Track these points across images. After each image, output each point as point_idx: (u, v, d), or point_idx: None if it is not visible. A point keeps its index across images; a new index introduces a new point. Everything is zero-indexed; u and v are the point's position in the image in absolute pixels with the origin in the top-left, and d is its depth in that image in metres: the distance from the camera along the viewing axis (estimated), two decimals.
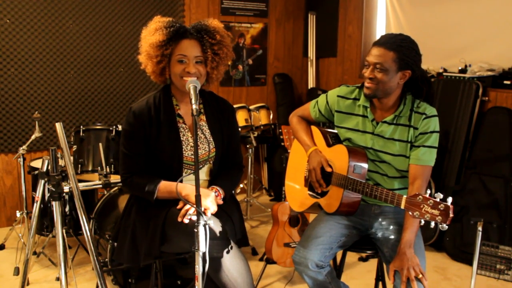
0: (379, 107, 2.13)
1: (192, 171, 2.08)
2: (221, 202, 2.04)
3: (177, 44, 2.01)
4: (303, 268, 2.08)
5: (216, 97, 2.23)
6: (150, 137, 2.04)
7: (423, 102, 2.09)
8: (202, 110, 2.16)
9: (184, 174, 2.07)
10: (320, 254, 2.06)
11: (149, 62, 2.04)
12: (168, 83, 2.12)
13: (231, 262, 1.92)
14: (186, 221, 1.87)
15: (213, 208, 1.94)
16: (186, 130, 2.09)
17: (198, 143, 2.09)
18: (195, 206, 1.64)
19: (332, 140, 2.29)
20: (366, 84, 2.06)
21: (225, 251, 1.89)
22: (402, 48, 1.98)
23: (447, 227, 1.69)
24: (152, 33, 2.02)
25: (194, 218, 1.88)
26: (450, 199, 1.70)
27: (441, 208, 1.70)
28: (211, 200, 1.95)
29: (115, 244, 2.17)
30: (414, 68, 2.01)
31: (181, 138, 2.07)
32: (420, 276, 1.88)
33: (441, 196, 1.72)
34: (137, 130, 2.03)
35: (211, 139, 2.11)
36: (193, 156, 2.06)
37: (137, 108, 2.05)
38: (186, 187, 2.00)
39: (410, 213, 1.78)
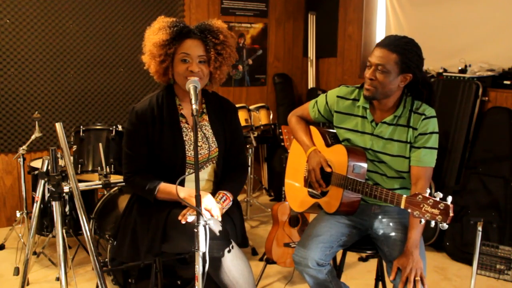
0: (379, 107, 2.13)
1: (193, 171, 2.08)
2: (227, 206, 2.04)
3: (181, 43, 2.00)
4: (304, 267, 2.08)
5: (219, 97, 2.23)
6: (153, 137, 2.05)
7: (422, 103, 2.08)
8: (204, 110, 2.16)
9: (186, 173, 2.07)
10: (320, 253, 2.06)
11: (152, 61, 2.04)
12: (172, 83, 2.12)
13: (232, 262, 1.92)
14: (189, 220, 1.88)
15: (215, 210, 1.93)
16: (189, 130, 2.09)
17: (200, 143, 2.10)
18: (194, 206, 1.64)
19: (331, 140, 2.29)
20: (366, 86, 2.05)
21: (226, 250, 1.89)
22: (406, 51, 1.96)
23: (447, 226, 1.69)
24: (155, 32, 2.02)
25: (191, 219, 1.88)
26: (450, 198, 1.70)
27: (441, 207, 1.70)
28: (208, 200, 1.95)
29: (115, 242, 2.17)
30: (415, 72, 2.00)
31: (184, 138, 2.07)
32: (418, 279, 1.88)
33: (441, 195, 1.72)
34: (140, 130, 2.04)
35: (214, 139, 2.12)
36: None
37: (140, 108, 2.05)
38: (183, 190, 2.00)
39: (410, 212, 1.78)
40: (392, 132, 2.10)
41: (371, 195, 1.97)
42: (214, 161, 2.14)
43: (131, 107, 2.08)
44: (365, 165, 2.11)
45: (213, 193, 2.16)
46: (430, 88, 2.08)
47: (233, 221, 2.09)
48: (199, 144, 2.09)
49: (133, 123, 2.05)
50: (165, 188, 2.02)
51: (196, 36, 2.02)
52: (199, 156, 2.08)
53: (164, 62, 2.01)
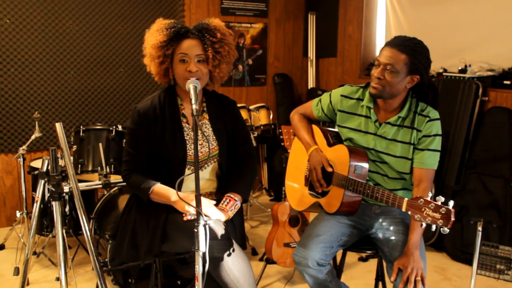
0: (383, 108, 2.13)
1: (192, 171, 2.08)
2: (233, 208, 2.05)
3: (179, 44, 2.02)
4: (304, 267, 2.08)
5: (218, 94, 2.24)
6: (155, 136, 2.06)
7: (427, 105, 2.09)
8: (205, 109, 2.17)
9: (186, 173, 2.08)
10: (320, 253, 2.06)
11: (152, 63, 2.06)
12: (172, 84, 2.13)
13: (233, 262, 1.92)
14: (191, 217, 1.89)
15: (206, 210, 1.93)
16: (190, 130, 2.11)
17: (201, 141, 2.11)
18: (194, 206, 1.64)
19: (333, 139, 2.28)
20: (373, 84, 2.05)
21: (226, 253, 1.89)
22: (415, 52, 1.97)
23: (448, 230, 1.68)
24: (153, 34, 2.04)
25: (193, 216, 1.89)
26: (451, 203, 1.69)
27: (443, 212, 1.69)
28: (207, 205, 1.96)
29: (114, 241, 2.17)
30: (423, 74, 2.00)
31: (185, 137, 2.08)
32: (418, 279, 1.88)
33: (443, 199, 1.70)
34: (141, 129, 2.06)
35: (214, 137, 2.12)
36: None
37: (142, 107, 2.07)
38: (177, 195, 1.99)
39: (411, 215, 1.77)
40: (396, 133, 2.10)
41: (372, 196, 1.96)
42: (216, 160, 2.14)
43: (134, 107, 2.10)
44: (366, 165, 2.10)
45: (216, 192, 2.18)
46: (436, 91, 2.09)
47: (233, 221, 2.09)
48: (199, 143, 2.10)
49: (135, 122, 2.07)
50: (159, 190, 2.01)
51: (194, 36, 2.04)
52: (200, 154, 2.09)
53: (164, 63, 2.03)
